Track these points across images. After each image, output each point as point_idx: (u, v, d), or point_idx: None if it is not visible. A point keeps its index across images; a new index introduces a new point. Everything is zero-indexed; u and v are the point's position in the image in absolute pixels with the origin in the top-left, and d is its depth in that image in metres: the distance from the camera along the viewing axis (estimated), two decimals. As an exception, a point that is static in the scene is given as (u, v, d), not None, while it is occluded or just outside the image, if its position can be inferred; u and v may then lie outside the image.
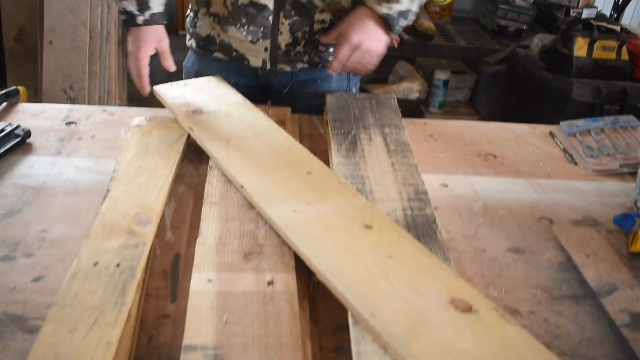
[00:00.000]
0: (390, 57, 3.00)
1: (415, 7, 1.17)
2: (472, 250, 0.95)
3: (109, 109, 1.25)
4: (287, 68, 1.29)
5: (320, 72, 1.33)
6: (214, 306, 0.71)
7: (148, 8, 1.14)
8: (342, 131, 1.10)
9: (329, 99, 1.23)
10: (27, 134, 1.08)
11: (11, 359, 0.68)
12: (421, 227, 0.87)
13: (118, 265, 0.74)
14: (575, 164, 1.26)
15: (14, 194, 0.96)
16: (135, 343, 0.71)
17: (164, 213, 0.92)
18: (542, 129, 1.40)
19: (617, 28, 2.62)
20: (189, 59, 1.39)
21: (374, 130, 1.13)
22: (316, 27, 1.25)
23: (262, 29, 1.23)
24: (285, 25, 1.22)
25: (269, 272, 0.77)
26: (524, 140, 1.33)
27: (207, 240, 0.81)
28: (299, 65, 1.30)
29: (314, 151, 1.04)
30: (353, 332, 0.68)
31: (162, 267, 0.84)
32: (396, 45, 2.62)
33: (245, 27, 1.23)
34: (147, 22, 1.15)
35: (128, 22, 1.15)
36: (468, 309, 0.71)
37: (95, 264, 0.74)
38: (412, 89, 2.76)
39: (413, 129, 1.29)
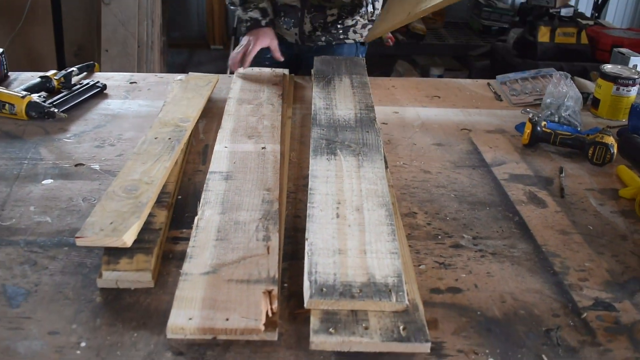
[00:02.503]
0: (390, 57, 3.48)
1: None
2: (406, 144, 1.39)
3: (159, 74, 1.75)
4: (311, 44, 1.88)
5: (335, 46, 1.90)
6: (228, 156, 1.16)
7: (268, 15, 1.73)
8: (321, 76, 1.56)
9: (316, 59, 1.69)
10: (105, 86, 1.58)
11: (104, 189, 1.14)
12: (365, 121, 1.31)
13: (169, 138, 1.21)
14: (501, 100, 1.69)
15: (98, 118, 1.44)
16: (180, 180, 1.16)
17: (198, 124, 1.39)
18: (482, 81, 1.83)
19: (588, 21, 3.04)
20: None
21: (345, 76, 1.58)
22: (329, 19, 1.81)
23: (292, 20, 1.82)
24: (307, 19, 1.81)
25: (263, 143, 1.22)
26: (465, 88, 1.77)
27: (225, 130, 1.27)
28: (320, 43, 1.88)
29: (297, 92, 1.52)
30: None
31: (196, 150, 1.30)
32: (391, 43, 3.08)
33: (283, 18, 1.82)
34: (267, 25, 1.72)
35: (253, 25, 1.71)
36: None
37: (156, 138, 1.21)
38: (409, 82, 3.21)
39: (380, 83, 1.74)
